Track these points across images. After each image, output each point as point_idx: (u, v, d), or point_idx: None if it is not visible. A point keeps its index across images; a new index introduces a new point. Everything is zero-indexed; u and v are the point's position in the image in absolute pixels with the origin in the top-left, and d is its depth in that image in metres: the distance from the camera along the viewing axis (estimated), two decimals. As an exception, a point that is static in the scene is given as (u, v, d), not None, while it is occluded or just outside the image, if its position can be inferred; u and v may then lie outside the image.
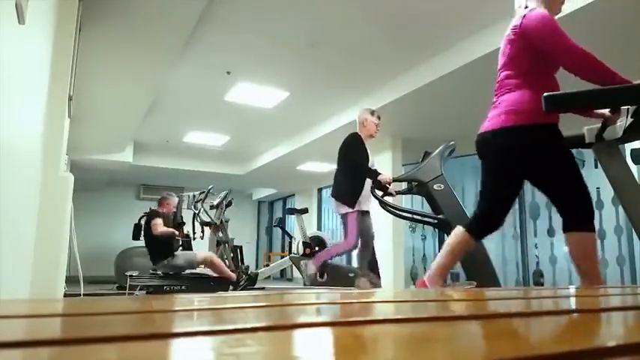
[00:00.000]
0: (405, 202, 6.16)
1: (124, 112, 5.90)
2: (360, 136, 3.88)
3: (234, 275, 5.38)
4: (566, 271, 5.68)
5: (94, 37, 3.81)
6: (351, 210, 3.76)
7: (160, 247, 5.20)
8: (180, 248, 6.16)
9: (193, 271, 5.45)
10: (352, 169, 3.80)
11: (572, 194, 1.93)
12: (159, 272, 5.20)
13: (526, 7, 1.98)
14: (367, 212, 3.96)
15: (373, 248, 4.08)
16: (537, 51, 1.92)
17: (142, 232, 5.49)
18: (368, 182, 3.80)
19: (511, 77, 1.99)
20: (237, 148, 8.53)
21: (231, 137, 7.80)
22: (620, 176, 2.00)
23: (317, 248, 5.15)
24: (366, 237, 3.96)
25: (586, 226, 1.90)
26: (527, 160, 1.96)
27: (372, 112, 3.96)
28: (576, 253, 1.92)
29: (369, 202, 3.90)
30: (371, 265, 4.08)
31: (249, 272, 5.54)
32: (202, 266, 5.48)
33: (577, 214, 1.91)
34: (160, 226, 5.15)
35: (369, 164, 3.83)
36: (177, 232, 5.33)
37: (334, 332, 0.51)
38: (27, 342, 0.41)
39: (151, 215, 5.32)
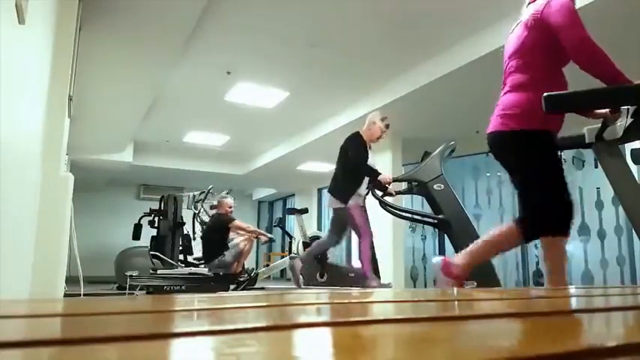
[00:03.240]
0: (405, 202, 6.16)
1: (124, 112, 5.90)
2: (361, 135, 3.91)
3: (240, 269, 5.45)
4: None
5: (94, 37, 3.81)
6: (345, 205, 3.81)
7: (216, 248, 5.35)
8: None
9: (193, 271, 5.46)
10: (352, 166, 3.84)
11: (532, 202, 1.93)
12: (210, 273, 5.32)
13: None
14: (364, 208, 3.99)
15: (372, 245, 4.09)
16: (552, 41, 1.88)
17: (205, 236, 5.60)
18: (364, 182, 3.86)
19: (519, 70, 1.96)
20: (237, 148, 8.53)
21: (231, 137, 7.80)
22: (620, 176, 2.00)
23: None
24: (347, 232, 4.06)
25: (554, 231, 1.89)
26: (514, 164, 1.98)
27: (383, 119, 3.99)
28: (546, 255, 1.93)
29: (361, 200, 3.93)
30: (371, 265, 4.09)
31: (252, 274, 5.55)
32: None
33: (535, 219, 1.91)
34: (246, 225, 5.57)
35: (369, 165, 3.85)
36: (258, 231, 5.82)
37: (334, 332, 0.51)
38: (27, 342, 0.41)
39: (226, 219, 5.47)
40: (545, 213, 1.91)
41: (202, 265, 5.76)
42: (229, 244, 5.47)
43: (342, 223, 4.00)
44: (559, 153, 1.98)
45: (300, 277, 4.14)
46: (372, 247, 4.08)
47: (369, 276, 3.82)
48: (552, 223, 1.90)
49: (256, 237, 5.77)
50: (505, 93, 2.00)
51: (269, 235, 5.80)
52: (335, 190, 3.94)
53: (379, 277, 4.10)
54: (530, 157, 1.93)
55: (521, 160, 1.96)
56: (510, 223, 1.97)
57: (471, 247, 2.01)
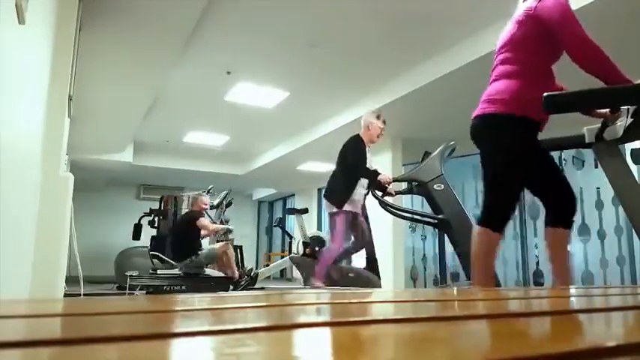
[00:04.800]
0: (405, 202, 6.15)
1: (124, 112, 5.90)
2: (361, 138, 3.88)
3: (237, 274, 5.41)
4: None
5: (94, 37, 3.81)
6: (338, 210, 3.78)
7: (185, 246, 5.29)
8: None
9: (192, 271, 5.45)
10: (349, 170, 3.81)
11: (488, 192, 1.98)
12: (180, 272, 5.26)
13: None
14: (358, 214, 3.96)
15: (372, 245, 4.09)
16: (544, 37, 1.90)
17: (172, 232, 5.60)
18: (361, 186, 3.83)
19: (507, 62, 1.98)
20: (237, 148, 8.53)
21: (231, 137, 7.80)
22: (620, 176, 2.00)
23: (317, 248, 5.14)
24: (359, 240, 4.01)
25: (486, 225, 1.94)
26: (485, 144, 2.01)
27: (378, 116, 3.95)
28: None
29: (359, 205, 3.91)
30: (371, 265, 4.09)
31: (251, 274, 5.54)
32: (210, 265, 5.53)
33: (483, 212, 1.96)
34: (210, 224, 5.49)
35: (367, 166, 3.83)
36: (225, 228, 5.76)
37: (334, 332, 0.51)
38: (27, 342, 0.41)
39: (193, 215, 5.41)
40: (491, 205, 1.97)
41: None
42: (207, 248, 5.43)
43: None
44: (536, 142, 1.98)
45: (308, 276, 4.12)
46: (373, 252, 4.08)
47: (316, 277, 3.82)
48: (491, 217, 1.95)
49: (221, 234, 5.79)
50: (491, 82, 2.02)
51: (224, 226, 5.79)
52: (329, 194, 3.90)
53: (379, 277, 4.10)
54: (503, 140, 1.96)
55: (493, 143, 1.99)
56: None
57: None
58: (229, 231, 5.98)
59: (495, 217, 1.96)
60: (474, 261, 1.97)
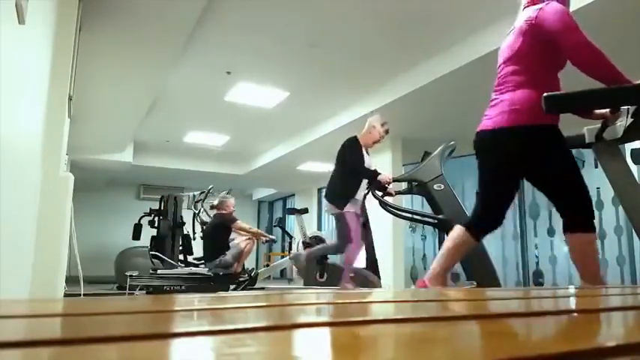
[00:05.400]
0: (405, 202, 6.16)
1: (124, 112, 5.90)
2: (358, 140, 3.87)
3: (239, 269, 5.44)
4: (566, 272, 5.68)
5: (94, 37, 3.81)
6: (343, 211, 3.76)
7: (217, 247, 5.35)
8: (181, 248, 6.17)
9: (193, 271, 5.45)
10: (349, 171, 3.80)
11: (572, 195, 1.94)
12: (210, 273, 5.31)
13: (534, 4, 1.97)
14: (358, 215, 3.94)
15: (372, 245, 4.08)
16: (548, 46, 1.90)
17: (206, 235, 5.59)
18: (361, 188, 3.82)
19: (517, 73, 1.96)
20: (237, 148, 8.53)
21: (231, 137, 7.80)
22: (620, 176, 2.00)
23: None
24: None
25: (586, 226, 1.90)
26: (526, 160, 1.96)
27: (383, 124, 3.96)
28: (577, 253, 1.92)
29: (359, 205, 3.90)
30: (371, 265, 4.09)
31: (251, 274, 5.54)
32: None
33: (577, 214, 1.92)
34: (248, 226, 5.59)
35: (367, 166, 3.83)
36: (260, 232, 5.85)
37: (334, 332, 0.51)
38: (27, 342, 0.41)
39: (228, 219, 5.46)
40: (586, 204, 1.94)
41: (202, 265, 5.75)
42: (230, 244, 5.47)
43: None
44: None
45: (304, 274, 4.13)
46: (373, 252, 4.07)
47: (344, 280, 3.79)
48: (591, 215, 1.92)
49: (257, 238, 5.78)
50: (507, 91, 1.98)
51: (271, 237, 5.80)
52: (331, 196, 3.89)
53: (379, 278, 4.10)
54: (554, 153, 1.93)
55: (540, 157, 1.94)
56: (459, 228, 2.03)
57: (437, 260, 2.11)
58: (274, 241, 6.01)
59: (592, 215, 1.93)
60: (586, 265, 1.92)
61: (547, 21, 1.86)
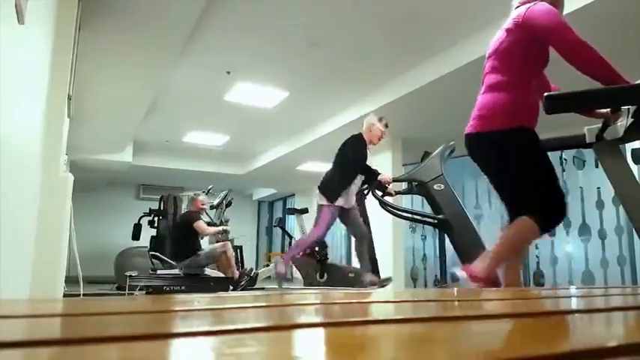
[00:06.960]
0: (405, 202, 6.15)
1: (124, 112, 5.89)
2: (363, 137, 3.96)
3: (237, 274, 5.41)
4: (567, 272, 5.68)
5: (93, 37, 3.81)
6: (327, 203, 3.88)
7: (184, 246, 5.30)
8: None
9: (192, 271, 5.45)
10: (348, 166, 3.86)
11: (520, 198, 1.96)
12: (180, 273, 5.27)
13: (524, 4, 1.98)
14: (349, 210, 4.01)
15: (372, 244, 4.09)
16: (533, 44, 1.91)
17: (172, 233, 5.59)
18: (355, 183, 3.87)
19: (495, 71, 1.99)
20: (237, 148, 8.53)
21: (231, 137, 7.80)
22: (621, 176, 2.00)
23: (317, 248, 5.14)
24: (353, 232, 4.08)
25: (530, 214, 1.88)
26: (495, 161, 2.01)
27: (381, 119, 4.03)
28: (507, 229, 1.98)
29: (352, 200, 3.98)
30: (371, 265, 4.09)
31: (251, 274, 5.54)
32: (210, 266, 5.53)
33: (525, 206, 1.92)
34: (207, 228, 5.47)
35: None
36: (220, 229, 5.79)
37: (334, 332, 0.51)
38: (27, 342, 0.41)
39: (191, 217, 5.42)
40: (545, 200, 1.93)
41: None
42: (208, 248, 5.45)
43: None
44: (540, 147, 1.98)
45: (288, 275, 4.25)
46: (373, 250, 4.09)
47: (283, 263, 4.14)
48: (542, 209, 1.92)
49: (220, 234, 5.80)
50: (483, 92, 2.03)
51: (219, 228, 5.82)
52: (323, 187, 3.99)
53: (379, 277, 4.10)
54: (513, 155, 1.95)
55: (504, 159, 1.98)
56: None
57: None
58: (225, 231, 5.99)
59: (544, 210, 1.93)
60: (501, 246, 1.97)
61: (537, 19, 1.88)
